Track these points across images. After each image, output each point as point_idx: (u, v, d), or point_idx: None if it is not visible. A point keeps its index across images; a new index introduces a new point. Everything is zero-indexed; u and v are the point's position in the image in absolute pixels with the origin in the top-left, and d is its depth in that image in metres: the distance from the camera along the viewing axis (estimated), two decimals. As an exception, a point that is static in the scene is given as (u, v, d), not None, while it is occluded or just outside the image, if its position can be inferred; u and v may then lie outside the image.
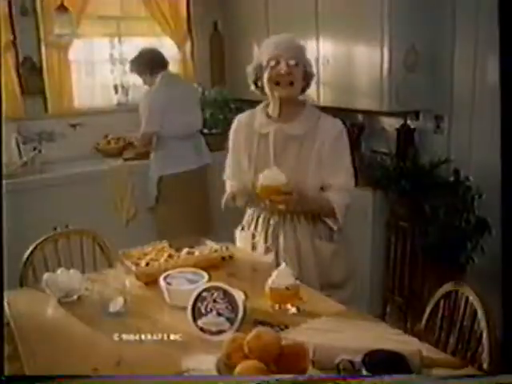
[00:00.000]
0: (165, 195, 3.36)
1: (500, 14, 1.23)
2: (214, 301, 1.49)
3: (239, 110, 4.05)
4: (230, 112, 3.85)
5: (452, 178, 2.95)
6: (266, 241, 1.99)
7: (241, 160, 2.01)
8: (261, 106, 2.00)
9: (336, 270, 1.97)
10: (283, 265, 1.65)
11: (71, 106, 3.77)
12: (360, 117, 3.56)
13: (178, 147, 3.33)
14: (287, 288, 1.58)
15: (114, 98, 3.95)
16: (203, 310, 1.48)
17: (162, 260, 1.86)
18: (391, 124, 3.35)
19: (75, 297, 1.70)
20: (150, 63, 3.30)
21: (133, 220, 3.51)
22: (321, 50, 3.30)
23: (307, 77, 1.90)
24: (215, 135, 3.74)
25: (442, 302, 1.66)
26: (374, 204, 3.11)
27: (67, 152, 3.59)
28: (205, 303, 1.49)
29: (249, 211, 2.07)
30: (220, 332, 1.45)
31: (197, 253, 1.92)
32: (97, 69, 3.94)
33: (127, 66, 3.79)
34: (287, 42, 1.87)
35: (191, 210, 3.34)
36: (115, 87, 3.94)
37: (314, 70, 1.97)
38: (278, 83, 1.84)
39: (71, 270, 1.74)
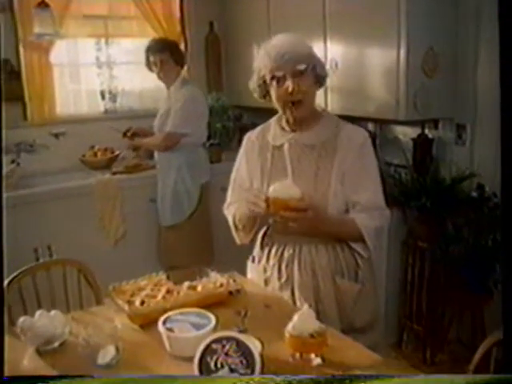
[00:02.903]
0: (200, 209, 3.26)
1: (500, 14, 1.24)
2: (226, 354, 1.30)
3: (238, 119, 4.01)
4: (228, 120, 3.76)
5: (475, 194, 2.80)
6: (279, 276, 1.80)
7: (252, 179, 1.84)
8: (274, 118, 1.87)
9: (360, 314, 1.77)
10: (305, 307, 1.45)
11: (53, 113, 3.60)
12: (371, 125, 3.40)
13: (203, 154, 3.35)
14: (312, 335, 1.38)
15: (101, 104, 3.82)
16: (213, 366, 1.29)
17: (159, 297, 1.67)
18: (406, 133, 3.21)
19: (57, 344, 1.49)
20: (179, 56, 3.25)
21: (122, 240, 3.33)
22: (328, 53, 3.13)
23: (319, 79, 1.76)
24: (214, 146, 3.61)
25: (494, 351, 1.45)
26: (390, 222, 2.91)
27: (49, 165, 3.42)
28: (215, 357, 1.30)
29: (259, 240, 1.88)
30: None
31: (200, 287, 1.73)
32: (82, 73, 3.80)
33: (114, 71, 3.78)
34: (289, 48, 1.68)
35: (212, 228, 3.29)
36: (102, 93, 3.81)
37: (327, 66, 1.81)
38: (287, 103, 1.72)
39: (52, 312, 1.53)
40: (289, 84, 1.67)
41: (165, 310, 1.55)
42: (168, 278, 1.78)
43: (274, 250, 1.82)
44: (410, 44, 2.71)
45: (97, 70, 3.78)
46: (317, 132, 1.77)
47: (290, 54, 1.67)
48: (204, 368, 1.29)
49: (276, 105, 1.76)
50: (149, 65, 3.21)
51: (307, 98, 1.72)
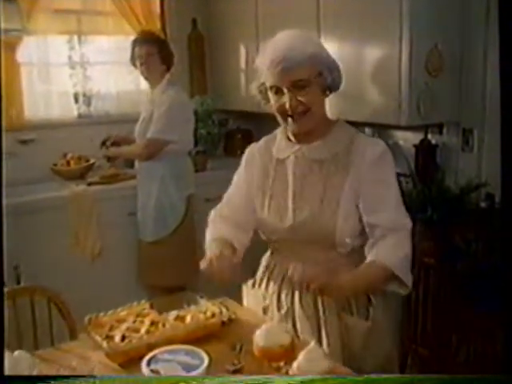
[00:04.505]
0: (185, 223, 3.14)
1: (500, 14, 1.26)
2: None
3: (224, 124, 3.90)
4: (213, 126, 3.66)
5: (483, 204, 2.72)
6: (279, 307, 1.67)
7: (251, 198, 1.70)
8: (281, 128, 1.71)
9: (371, 356, 1.60)
10: (312, 344, 1.35)
11: (21, 117, 3.47)
12: (368, 130, 3.29)
13: (189, 163, 3.25)
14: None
15: (74, 108, 3.72)
16: None
17: (142, 330, 1.55)
18: (407, 139, 3.13)
19: (22, 390, 1.32)
20: (168, 54, 3.15)
21: (98, 258, 3.21)
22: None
23: (329, 87, 1.59)
24: (198, 154, 3.51)
25: None
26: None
27: (17, 174, 3.21)
28: None
29: (263, 264, 1.76)
30: None
31: (188, 318, 1.62)
32: (53, 73, 3.67)
33: (89, 71, 3.70)
34: (286, 54, 1.49)
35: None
36: (75, 96, 3.71)
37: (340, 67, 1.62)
38: (286, 117, 1.58)
39: (16, 352, 1.36)
40: (286, 100, 1.52)
41: (149, 347, 1.43)
42: (152, 306, 1.67)
43: (273, 277, 1.69)
44: (413, 41, 2.63)
45: (69, 70, 3.68)
46: (327, 144, 1.62)
47: (288, 61, 1.49)
48: None
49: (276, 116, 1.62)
50: (133, 59, 3.11)
51: (312, 109, 1.56)
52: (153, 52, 3.04)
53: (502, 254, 1.29)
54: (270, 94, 1.57)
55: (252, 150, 1.77)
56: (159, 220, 3.11)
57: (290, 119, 1.56)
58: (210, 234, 1.72)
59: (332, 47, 2.89)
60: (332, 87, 1.59)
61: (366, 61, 2.86)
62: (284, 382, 1.25)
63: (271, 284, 1.69)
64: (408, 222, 1.58)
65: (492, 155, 2.76)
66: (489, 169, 2.78)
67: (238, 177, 1.77)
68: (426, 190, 2.74)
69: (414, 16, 2.59)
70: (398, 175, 2.98)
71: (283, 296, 1.65)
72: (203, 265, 1.51)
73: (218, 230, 1.71)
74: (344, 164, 1.58)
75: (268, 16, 3.39)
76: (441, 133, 2.97)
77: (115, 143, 3.26)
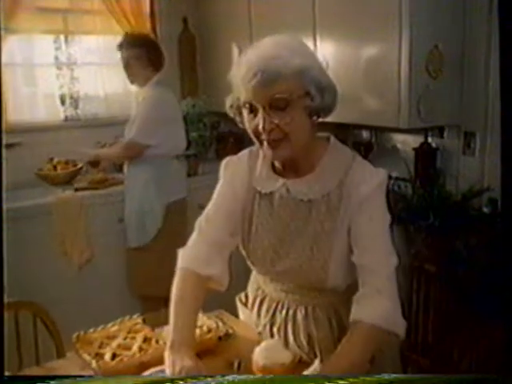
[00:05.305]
0: (167, 230, 3.06)
1: (500, 14, 1.22)
2: None
3: (216, 127, 3.85)
4: (204, 129, 3.63)
5: (486, 209, 2.68)
6: (271, 335, 1.57)
7: (235, 221, 1.52)
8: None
9: None
10: (316, 362, 1.31)
11: (5, 121, 3.36)
12: (365, 133, 3.26)
13: (176, 168, 3.16)
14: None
15: (61, 111, 3.66)
16: None
17: (134, 347, 1.49)
18: (406, 142, 3.10)
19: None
20: (157, 56, 3.10)
21: (87, 266, 3.14)
22: (318, 52, 2.97)
23: (316, 110, 1.32)
24: (189, 157, 3.48)
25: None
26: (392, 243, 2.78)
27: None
28: None
29: (252, 288, 1.67)
30: None
31: None
32: (38, 74, 3.62)
33: (76, 72, 3.63)
34: (266, 63, 1.24)
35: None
36: (62, 98, 3.64)
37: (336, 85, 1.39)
38: (261, 141, 1.32)
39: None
40: (259, 121, 1.27)
41: (142, 365, 1.38)
42: (144, 321, 1.61)
43: (265, 307, 1.58)
44: (413, 41, 2.57)
45: (56, 71, 3.62)
46: (317, 179, 1.40)
47: (266, 73, 1.23)
48: None
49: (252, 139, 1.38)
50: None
51: (291, 135, 1.29)
52: (137, 55, 3.00)
53: (503, 260, 1.25)
54: (244, 113, 1.33)
55: (232, 165, 1.55)
56: (140, 226, 3.06)
57: (265, 144, 1.32)
58: (181, 262, 1.54)
59: (329, 48, 2.92)
60: (321, 111, 1.32)
61: (364, 61, 2.81)
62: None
63: (263, 313, 1.59)
64: (394, 261, 1.40)
65: (494, 159, 2.73)
66: (491, 173, 2.74)
67: (218, 193, 1.55)
68: (427, 195, 2.71)
69: (414, 15, 2.54)
70: (397, 179, 2.98)
71: (275, 330, 1.56)
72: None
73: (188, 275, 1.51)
74: (336, 203, 1.39)
75: (262, 15, 3.34)
76: (441, 136, 2.92)
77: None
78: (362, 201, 1.36)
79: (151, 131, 2.96)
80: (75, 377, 1.19)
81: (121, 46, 3.03)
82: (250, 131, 1.34)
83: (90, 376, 1.23)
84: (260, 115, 1.27)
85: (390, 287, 1.37)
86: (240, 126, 1.40)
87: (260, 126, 1.28)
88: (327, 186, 1.39)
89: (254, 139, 1.35)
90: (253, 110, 1.29)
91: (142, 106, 3.01)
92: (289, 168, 1.42)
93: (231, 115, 1.42)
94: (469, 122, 2.78)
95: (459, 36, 2.71)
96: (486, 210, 2.67)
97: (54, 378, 1.17)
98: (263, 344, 1.41)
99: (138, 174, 3.06)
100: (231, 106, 1.39)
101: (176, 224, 3.05)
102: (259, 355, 1.37)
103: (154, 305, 3.01)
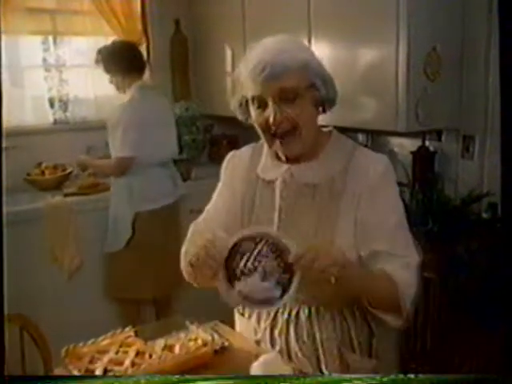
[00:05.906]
0: (138, 238, 3.03)
1: (500, 14, 1.23)
2: (259, 254, 1.25)
3: (209, 130, 3.81)
4: (198, 132, 3.61)
5: (485, 215, 2.68)
6: (272, 344, 1.54)
7: (235, 217, 1.54)
8: None
9: None
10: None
11: None
12: (361, 136, 3.24)
13: (156, 176, 3.09)
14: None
15: (50, 114, 3.63)
16: (243, 268, 1.25)
17: (127, 362, 1.43)
18: (403, 146, 3.08)
19: None
20: (128, 62, 3.05)
21: (77, 274, 3.09)
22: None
23: (322, 101, 1.42)
24: (182, 162, 3.42)
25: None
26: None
27: (-13, 185, 3.10)
28: (245, 258, 1.25)
29: None
30: (267, 301, 1.25)
31: (177, 347, 1.50)
32: (26, 76, 3.59)
33: (65, 74, 3.63)
34: (273, 59, 1.33)
35: (165, 257, 2.96)
36: (51, 100, 3.62)
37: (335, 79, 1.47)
38: (270, 136, 1.41)
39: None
40: (269, 113, 1.36)
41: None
42: (136, 334, 1.55)
43: (265, 312, 1.55)
44: (411, 43, 2.57)
45: (44, 73, 3.59)
46: (321, 165, 1.46)
47: (275, 66, 1.32)
48: (232, 271, 1.25)
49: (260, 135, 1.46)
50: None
51: (302, 127, 1.39)
52: (109, 68, 3.01)
53: (504, 264, 1.26)
54: (252, 108, 1.41)
55: (233, 161, 1.62)
56: (113, 232, 3.05)
57: (277, 141, 1.41)
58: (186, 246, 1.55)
59: (324, 50, 2.88)
60: (326, 102, 1.43)
61: (361, 64, 2.80)
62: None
63: (263, 317, 1.55)
64: (416, 255, 1.41)
65: (494, 162, 2.72)
66: (490, 176, 2.73)
67: (218, 192, 1.62)
68: (426, 200, 2.69)
69: (412, 17, 2.52)
70: (395, 184, 2.96)
71: (276, 333, 1.52)
72: (194, 258, 1.32)
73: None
74: (340, 187, 1.42)
75: (255, 16, 3.32)
76: (439, 139, 2.91)
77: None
78: (370, 186, 1.40)
79: (134, 141, 2.92)
80: (75, 377, 1.21)
81: (97, 62, 3.04)
82: (258, 126, 1.42)
83: (91, 376, 1.23)
84: (270, 108, 1.36)
85: (412, 271, 1.39)
86: (247, 123, 1.49)
87: (271, 118, 1.36)
88: (331, 170, 1.45)
89: (263, 136, 1.44)
90: (261, 105, 1.38)
91: (120, 112, 2.98)
92: (293, 157, 1.47)
93: (239, 117, 1.50)
94: (468, 124, 2.77)
95: (458, 37, 2.71)
96: (485, 215, 2.66)
97: (54, 378, 1.19)
98: (261, 358, 1.36)
99: (118, 180, 3.04)
100: (240, 105, 1.47)
101: (146, 234, 3.02)
102: (257, 370, 1.33)
103: (129, 307, 3.11)
